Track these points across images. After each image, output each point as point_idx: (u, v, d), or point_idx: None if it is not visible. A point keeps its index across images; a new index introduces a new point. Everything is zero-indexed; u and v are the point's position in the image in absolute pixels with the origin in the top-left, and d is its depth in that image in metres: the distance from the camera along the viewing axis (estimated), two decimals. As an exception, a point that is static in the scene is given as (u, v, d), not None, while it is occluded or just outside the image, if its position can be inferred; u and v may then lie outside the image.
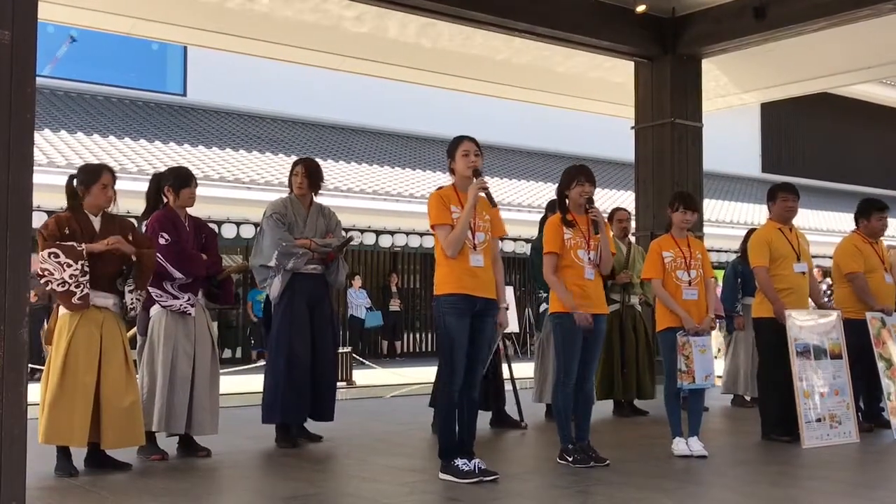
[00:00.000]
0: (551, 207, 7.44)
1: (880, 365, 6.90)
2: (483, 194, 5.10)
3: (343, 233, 6.71)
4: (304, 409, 6.31)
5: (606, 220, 5.91)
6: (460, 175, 5.22)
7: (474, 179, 5.12)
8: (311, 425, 6.51)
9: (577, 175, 5.58)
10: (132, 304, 5.38)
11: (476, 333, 5.14)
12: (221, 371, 6.22)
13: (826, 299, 8.09)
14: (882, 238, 7.40)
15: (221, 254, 6.26)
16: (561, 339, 5.54)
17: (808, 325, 6.56)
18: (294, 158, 7.08)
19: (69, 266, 5.07)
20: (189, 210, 6.02)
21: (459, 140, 5.25)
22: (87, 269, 5.10)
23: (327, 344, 6.46)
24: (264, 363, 6.65)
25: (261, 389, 6.41)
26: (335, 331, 6.65)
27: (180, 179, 5.93)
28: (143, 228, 5.88)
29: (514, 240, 18.78)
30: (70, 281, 5.07)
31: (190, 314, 5.78)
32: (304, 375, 6.24)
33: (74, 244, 5.10)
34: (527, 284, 20.17)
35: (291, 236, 6.30)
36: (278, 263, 6.23)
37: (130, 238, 5.40)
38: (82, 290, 5.10)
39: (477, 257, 5.13)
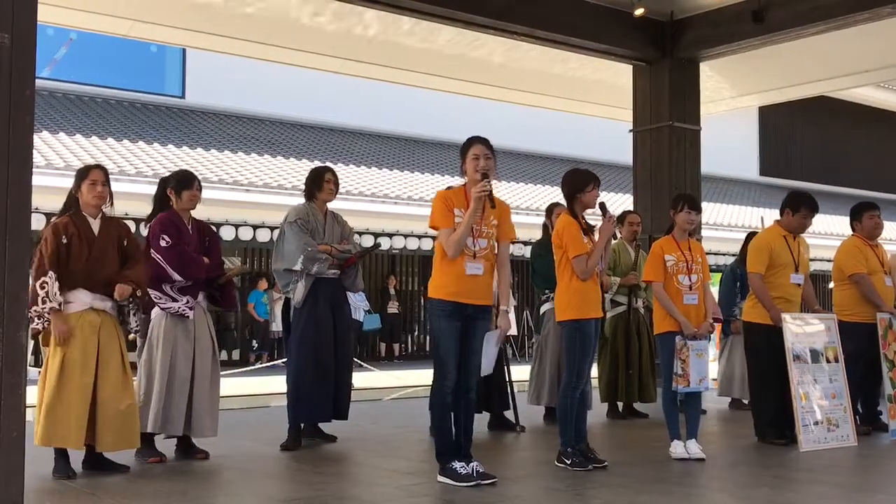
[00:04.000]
0: (550, 212, 7.43)
1: (885, 366, 6.91)
2: (484, 196, 5.05)
3: (357, 239, 6.76)
4: (328, 408, 6.40)
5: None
6: (469, 178, 5.21)
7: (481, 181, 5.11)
8: (325, 425, 6.59)
9: (591, 179, 5.58)
10: (136, 325, 5.50)
11: (467, 336, 5.12)
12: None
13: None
14: (882, 243, 7.44)
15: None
16: (579, 343, 5.49)
17: (804, 329, 6.57)
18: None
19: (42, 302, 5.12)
20: (193, 213, 6.06)
21: (470, 142, 5.22)
22: (50, 309, 5.13)
23: (347, 346, 6.57)
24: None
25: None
26: (352, 334, 6.76)
27: (182, 182, 5.98)
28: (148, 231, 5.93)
29: (512, 242, 18.73)
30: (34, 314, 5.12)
31: (188, 317, 5.78)
32: (329, 377, 6.34)
33: (40, 295, 5.10)
34: (525, 287, 20.15)
35: (315, 242, 6.36)
36: (304, 268, 6.28)
37: (126, 243, 5.44)
38: (42, 323, 5.15)
39: (475, 265, 5.10)
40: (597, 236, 5.60)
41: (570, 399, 5.53)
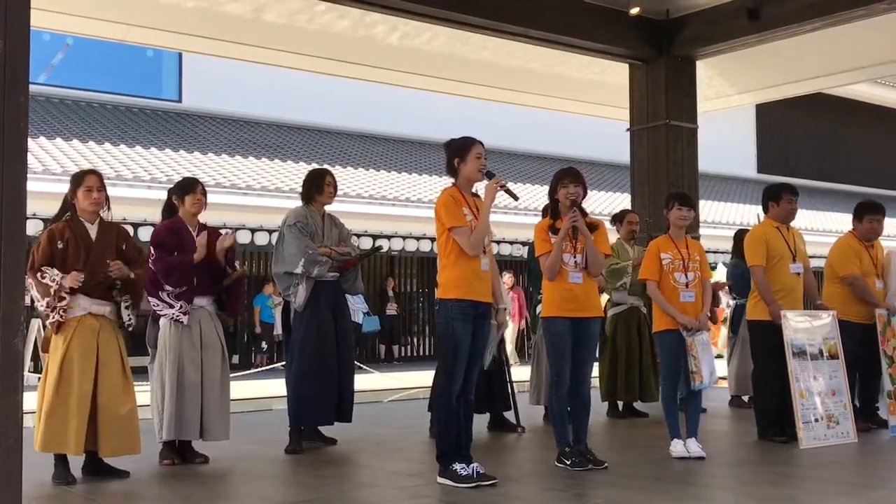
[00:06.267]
0: (546, 213, 7.44)
1: (884, 362, 6.90)
2: (503, 192, 5.15)
3: (355, 241, 6.78)
4: (332, 412, 6.41)
5: (602, 223, 5.86)
6: (468, 177, 5.23)
7: (486, 180, 5.18)
8: (326, 428, 6.60)
9: (562, 177, 5.62)
10: (129, 319, 5.45)
11: (474, 337, 5.15)
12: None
13: None
14: (880, 242, 7.38)
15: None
16: (549, 342, 5.56)
17: (803, 325, 6.56)
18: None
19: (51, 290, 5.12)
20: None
21: (472, 142, 5.23)
22: (62, 295, 5.14)
23: (348, 349, 6.58)
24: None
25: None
26: (353, 336, 6.77)
27: (184, 188, 6.05)
28: None
29: (511, 243, 18.77)
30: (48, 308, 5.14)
31: (182, 322, 5.79)
32: (332, 380, 6.35)
33: (49, 283, 5.10)
34: (524, 288, 20.13)
35: (315, 244, 6.36)
36: (305, 271, 6.28)
37: (125, 247, 5.44)
38: (59, 314, 5.16)
39: (485, 260, 5.20)
40: (587, 235, 5.59)
41: (556, 398, 5.56)
